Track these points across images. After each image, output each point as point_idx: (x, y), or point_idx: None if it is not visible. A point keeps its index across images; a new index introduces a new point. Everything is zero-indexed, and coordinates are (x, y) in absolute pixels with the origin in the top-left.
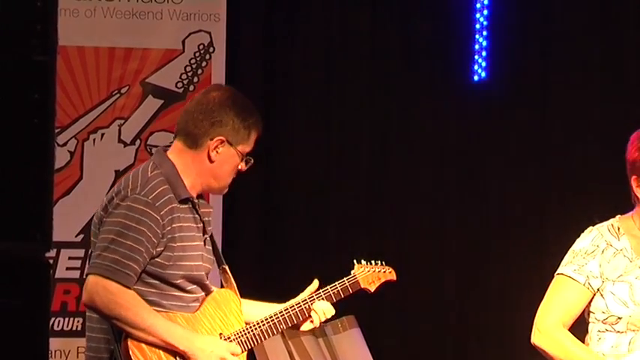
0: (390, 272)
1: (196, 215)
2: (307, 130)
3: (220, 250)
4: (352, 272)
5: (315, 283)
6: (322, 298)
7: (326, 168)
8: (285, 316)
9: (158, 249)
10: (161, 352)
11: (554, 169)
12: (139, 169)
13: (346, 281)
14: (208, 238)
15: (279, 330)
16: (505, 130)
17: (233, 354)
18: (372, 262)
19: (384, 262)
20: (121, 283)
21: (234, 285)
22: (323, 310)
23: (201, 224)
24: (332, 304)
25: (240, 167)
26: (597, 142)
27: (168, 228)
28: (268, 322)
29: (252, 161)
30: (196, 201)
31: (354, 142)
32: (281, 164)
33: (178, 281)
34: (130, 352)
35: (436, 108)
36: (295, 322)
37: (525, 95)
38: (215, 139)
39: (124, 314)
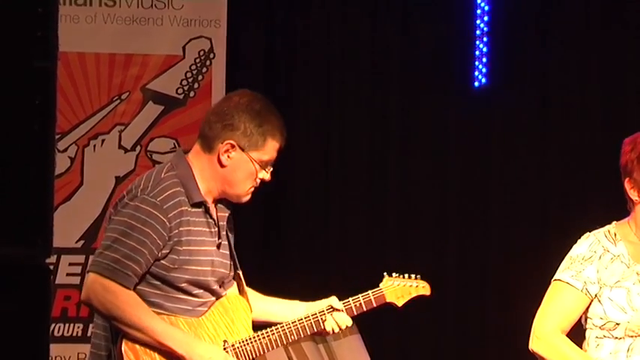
0: (423, 287)
1: (210, 219)
2: (307, 137)
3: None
4: (380, 285)
5: (334, 298)
6: (342, 311)
7: (326, 173)
8: (299, 326)
9: (164, 251)
10: (156, 354)
11: (555, 174)
12: (155, 169)
13: (371, 294)
14: (225, 243)
15: (289, 340)
16: (506, 135)
17: None
18: (405, 275)
19: (418, 276)
20: (119, 282)
21: (246, 292)
22: (338, 321)
23: (216, 229)
24: (352, 317)
25: (262, 177)
26: (598, 146)
27: (176, 231)
28: (279, 331)
29: (271, 169)
30: (209, 205)
31: (354, 148)
32: (281, 169)
33: (182, 285)
34: (124, 354)
35: (437, 114)
36: (309, 333)
37: (526, 101)
38: (225, 143)
39: (120, 314)
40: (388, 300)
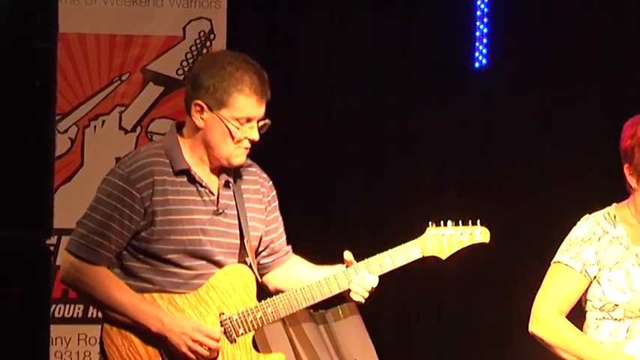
0: (480, 233)
1: (201, 188)
2: (308, 118)
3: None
4: (419, 237)
5: (348, 254)
6: (367, 270)
7: (326, 156)
8: (312, 292)
9: (142, 223)
10: (133, 336)
11: (555, 155)
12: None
13: (401, 249)
14: (232, 213)
15: (300, 307)
16: (506, 116)
17: (209, 336)
18: (460, 222)
19: (478, 222)
20: (84, 259)
21: (252, 261)
22: (362, 281)
23: (214, 196)
24: (381, 277)
25: (244, 136)
26: (598, 128)
27: (148, 202)
28: (286, 298)
29: (266, 125)
30: (194, 172)
31: (354, 131)
32: (281, 153)
33: (170, 256)
34: (103, 335)
35: (437, 95)
36: (323, 297)
37: (526, 81)
38: (194, 104)
39: (90, 292)
40: (426, 254)
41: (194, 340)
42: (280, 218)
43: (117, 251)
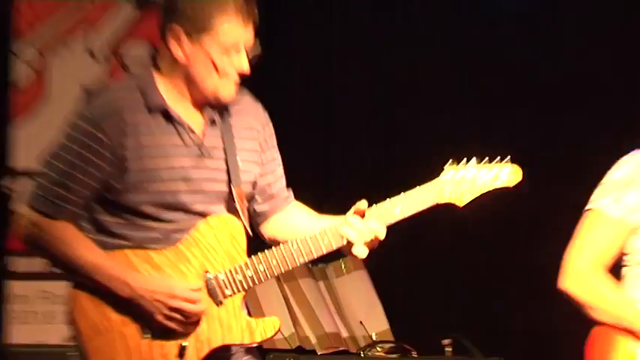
0: (510, 173)
1: (180, 127)
2: (309, 70)
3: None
4: (434, 180)
5: (363, 203)
6: (373, 219)
7: (327, 116)
8: (311, 245)
9: (111, 170)
10: (103, 301)
11: (591, 95)
12: None
13: (413, 194)
14: (219, 156)
15: (296, 264)
16: (541, 60)
17: (187, 299)
18: (485, 159)
19: (508, 158)
20: (43, 212)
21: (242, 210)
22: (367, 230)
23: (197, 137)
24: (389, 227)
25: (230, 67)
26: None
27: (118, 147)
28: (280, 253)
29: (256, 55)
30: (171, 110)
31: (359, 90)
32: (281, 112)
33: (145, 209)
34: (70, 299)
35: (450, 39)
36: (324, 251)
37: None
38: (169, 30)
39: (50, 250)
40: (441, 201)
41: (170, 308)
42: (279, 158)
43: (82, 204)
